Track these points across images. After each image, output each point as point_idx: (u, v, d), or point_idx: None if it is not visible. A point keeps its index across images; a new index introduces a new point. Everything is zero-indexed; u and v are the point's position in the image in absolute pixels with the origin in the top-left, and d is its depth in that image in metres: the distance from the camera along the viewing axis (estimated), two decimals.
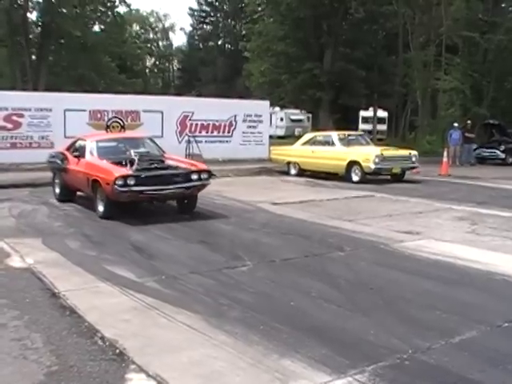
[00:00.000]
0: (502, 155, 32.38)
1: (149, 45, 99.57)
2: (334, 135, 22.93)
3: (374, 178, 20.96)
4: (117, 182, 11.72)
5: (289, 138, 54.01)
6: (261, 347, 5.56)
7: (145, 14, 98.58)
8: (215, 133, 27.03)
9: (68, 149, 15.17)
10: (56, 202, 14.95)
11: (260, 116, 28.76)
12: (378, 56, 45.77)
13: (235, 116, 27.73)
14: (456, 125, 30.47)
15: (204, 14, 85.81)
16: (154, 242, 10.22)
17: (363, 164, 20.58)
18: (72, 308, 6.66)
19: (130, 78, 60.96)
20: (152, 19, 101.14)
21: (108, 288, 7.42)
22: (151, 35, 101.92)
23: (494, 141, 34.68)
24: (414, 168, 21.86)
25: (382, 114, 55.61)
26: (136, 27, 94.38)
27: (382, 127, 56.58)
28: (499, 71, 48.13)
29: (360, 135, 24.89)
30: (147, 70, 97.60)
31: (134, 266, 8.54)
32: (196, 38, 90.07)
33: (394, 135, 54.04)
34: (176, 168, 13.29)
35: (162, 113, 25.41)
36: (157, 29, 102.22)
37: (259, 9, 56.83)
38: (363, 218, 13.05)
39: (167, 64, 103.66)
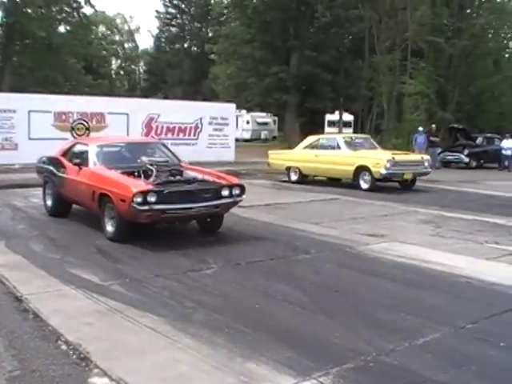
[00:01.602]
0: (466, 159, 32.86)
1: (115, 46, 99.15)
2: (340, 138, 21.64)
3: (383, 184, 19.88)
4: (135, 199, 9.62)
5: (255, 141, 54.15)
6: (225, 350, 5.54)
7: (111, 15, 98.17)
8: (181, 135, 26.97)
9: (64, 154, 13.06)
10: (20, 204, 14.75)
11: (226, 119, 28.80)
12: (344, 60, 46.10)
13: (201, 119, 27.72)
14: (421, 129, 30.72)
15: (170, 17, 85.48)
16: (119, 246, 10.10)
17: (373, 169, 19.14)
18: (35, 311, 6.57)
19: (95, 79, 60.72)
20: (118, 21, 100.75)
21: (71, 291, 7.33)
22: (117, 37, 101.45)
23: (458, 145, 35.14)
24: (426, 174, 20.62)
25: (348, 117, 55.90)
26: (102, 28, 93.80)
27: (348, 131, 56.72)
28: (464, 76, 48.72)
29: (366, 138, 23.27)
30: (113, 72, 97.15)
31: (98, 269, 8.45)
32: (162, 40, 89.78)
33: None
34: (204, 182, 11.04)
35: (128, 115, 25.30)
36: (123, 31, 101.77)
37: (226, 12, 56.91)
38: (329, 221, 13.09)
39: (133, 66, 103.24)
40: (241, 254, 9.77)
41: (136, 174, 10.88)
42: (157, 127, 26.25)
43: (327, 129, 58.35)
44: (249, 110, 58.05)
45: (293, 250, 10.08)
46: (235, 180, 11.41)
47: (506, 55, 59.08)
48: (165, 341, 5.77)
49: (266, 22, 42.58)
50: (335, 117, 53.52)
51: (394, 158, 19.26)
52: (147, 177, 10.67)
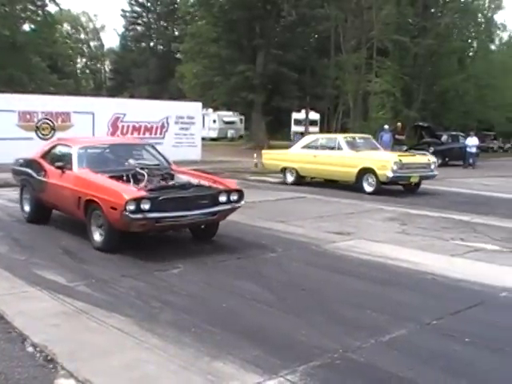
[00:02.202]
0: None
1: (80, 45, 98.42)
2: (341, 138, 20.49)
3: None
4: (128, 207, 8.83)
5: (222, 139, 54.12)
6: (192, 350, 5.54)
7: (76, 13, 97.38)
8: (147, 134, 26.84)
9: (43, 156, 12.09)
10: None
11: (192, 118, 28.73)
12: (310, 58, 46.28)
13: (167, 118, 27.64)
14: (386, 127, 30.94)
15: (136, 15, 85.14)
16: (85, 246, 9.97)
17: (379, 172, 18.19)
18: (0, 314, 6.51)
19: (61, 78, 60.07)
20: (83, 19, 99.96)
21: (37, 292, 7.26)
22: (82, 35, 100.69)
23: (423, 142, 35.50)
24: (433, 177, 19.69)
25: (314, 116, 56.16)
26: (67, 27, 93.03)
27: (315, 129, 57.03)
28: (429, 75, 49.25)
29: (367, 138, 22.00)
30: (78, 71, 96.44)
31: (64, 270, 8.37)
32: (128, 39, 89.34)
33: None
34: (200, 187, 10.25)
35: (93, 114, 25.13)
36: (88, 29, 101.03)
37: (192, 10, 56.75)
38: (295, 220, 13.13)
39: (99, 65, 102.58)
40: (208, 253, 9.75)
41: (125, 178, 10.12)
42: (123, 126, 26.10)
43: (294, 127, 58.66)
44: (215, 108, 58.03)
45: (259, 249, 10.09)
46: (233, 185, 10.71)
47: (471, 54, 59.72)
48: (132, 341, 5.75)
49: (232, 21, 42.61)
50: (302, 115, 53.75)
51: (400, 160, 18.40)
52: (137, 182, 9.96)
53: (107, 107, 26.25)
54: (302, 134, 49.27)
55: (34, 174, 11.92)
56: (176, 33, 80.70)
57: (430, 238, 11.42)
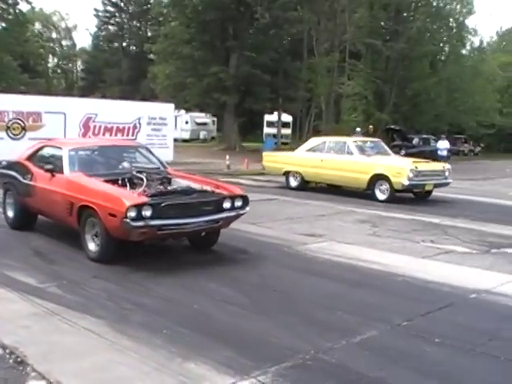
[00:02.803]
0: None
1: (52, 44, 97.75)
2: (350, 142, 19.37)
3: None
4: (129, 214, 8.21)
5: (194, 141, 54.10)
6: (164, 351, 5.55)
7: (48, 12, 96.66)
8: (119, 135, 26.68)
9: (29, 158, 11.32)
10: None
11: (164, 119, 28.62)
12: (283, 61, 46.41)
13: (139, 118, 27.50)
14: (358, 130, 31.09)
15: (109, 15, 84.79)
16: (56, 247, 9.97)
17: (394, 179, 17.24)
18: None
19: (32, 77, 59.75)
20: (55, 18, 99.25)
21: (7, 294, 7.22)
22: (54, 34, 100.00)
23: (395, 145, 35.74)
24: (447, 184, 18.74)
25: (286, 118, 56.34)
26: (38, 26, 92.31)
27: (287, 131, 57.32)
28: (401, 78, 49.68)
29: (377, 142, 20.91)
30: (50, 71, 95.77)
31: (35, 271, 8.32)
32: (101, 39, 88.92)
33: (299, 139, 54.90)
34: (203, 192, 9.54)
35: (65, 114, 24.94)
36: (60, 28, 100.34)
37: (165, 11, 56.67)
38: (267, 221, 13.16)
39: (71, 65, 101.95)
40: (179, 255, 9.79)
41: (120, 182, 9.44)
42: (94, 127, 25.92)
43: (266, 129, 58.83)
44: (188, 110, 57.98)
45: (231, 251, 10.13)
46: (238, 190, 10.07)
47: (442, 58, 60.27)
48: (103, 342, 5.74)
49: (205, 22, 42.60)
50: (274, 117, 53.88)
51: (416, 167, 17.42)
52: (133, 186, 9.39)
53: (79, 107, 26.04)
54: (275, 136, 49.51)
55: (20, 178, 11.10)
56: (149, 33, 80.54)
57: (400, 240, 11.54)
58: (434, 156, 33.64)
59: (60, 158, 10.23)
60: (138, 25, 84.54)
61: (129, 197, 8.57)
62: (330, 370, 5.29)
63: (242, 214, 9.81)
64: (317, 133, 50.96)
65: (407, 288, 8.13)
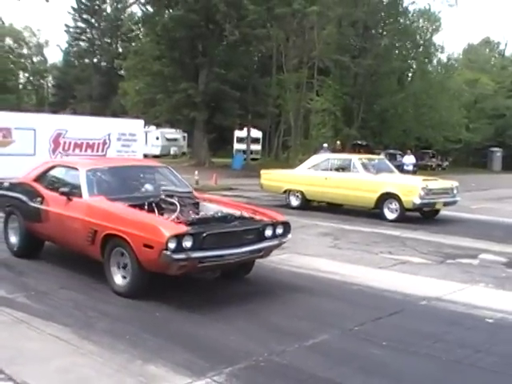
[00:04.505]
0: None
1: (22, 60, 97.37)
2: (356, 159, 18.72)
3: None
4: (169, 246, 7.28)
5: (165, 156, 54.31)
6: (126, 355, 5.88)
7: (18, 28, 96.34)
8: (89, 151, 26.80)
9: (37, 179, 10.26)
10: None
11: (134, 135, 28.81)
12: (252, 77, 46.80)
13: (109, 134, 27.66)
14: (325, 145, 31.62)
15: (80, 31, 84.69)
16: (24, 260, 10.10)
17: (404, 198, 16.69)
18: None
19: (2, 93, 59.60)
20: (26, 34, 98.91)
21: None
22: (25, 50, 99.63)
23: None
24: (455, 202, 18.31)
25: (256, 133, 56.73)
26: (9, 41, 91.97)
27: (257, 147, 57.73)
28: (369, 94, 50.41)
29: (381, 159, 20.87)
30: (21, 86, 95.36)
31: (3, 282, 8.57)
32: (71, 54, 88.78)
33: (268, 155, 55.37)
34: (243, 219, 8.63)
35: (35, 130, 25.09)
36: (31, 44, 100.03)
37: (135, 28, 56.96)
38: None
39: (42, 80, 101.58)
40: None
41: (146, 207, 8.61)
42: (64, 143, 26.01)
43: (236, 145, 59.16)
44: (158, 125, 58.16)
45: None
46: (280, 216, 9.15)
47: (410, 74, 61.19)
48: (69, 347, 6.05)
49: (175, 39, 42.93)
50: (244, 133, 54.31)
51: (427, 185, 16.95)
52: (161, 212, 8.61)
53: (49, 123, 26.13)
54: (244, 152, 49.89)
55: (27, 201, 10.02)
56: (120, 49, 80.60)
57: (360, 251, 11.97)
58: (399, 171, 34.26)
59: (76, 180, 9.27)
60: (109, 41, 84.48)
61: (167, 226, 7.67)
62: (281, 371, 5.65)
63: (283, 243, 9.00)
64: (286, 148, 51.57)
65: (362, 296, 8.53)
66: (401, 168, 34.13)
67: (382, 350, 6.29)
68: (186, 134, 60.56)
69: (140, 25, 52.72)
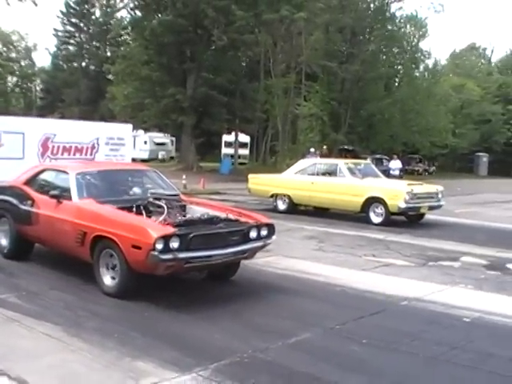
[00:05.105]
0: None
1: (11, 63, 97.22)
2: (342, 164, 18.96)
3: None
4: (157, 246, 7.51)
5: (153, 161, 54.45)
6: (115, 352, 6.09)
7: (7, 31, 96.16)
8: (77, 155, 26.88)
9: (27, 183, 10.41)
10: None
11: (122, 139, 28.93)
12: (240, 82, 47.04)
13: (97, 139, 27.76)
14: (312, 150, 31.90)
15: (68, 35, 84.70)
16: (14, 261, 10.24)
17: (389, 202, 16.90)
18: None
19: None
20: (14, 37, 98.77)
21: None
22: (14, 54, 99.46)
23: None
24: (440, 206, 18.49)
25: (244, 138, 56.98)
26: None
27: (245, 151, 57.96)
28: (356, 99, 50.74)
29: (367, 164, 21.14)
30: (9, 90, 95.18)
31: None
32: (60, 58, 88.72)
33: (256, 159, 55.59)
34: (229, 221, 8.86)
35: (24, 134, 25.22)
36: (19, 47, 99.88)
37: (124, 32, 57.08)
38: None
39: (30, 84, 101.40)
40: None
41: (134, 210, 8.79)
42: (53, 147, 26.09)
43: (224, 149, 59.37)
44: (146, 130, 58.30)
45: None
46: (264, 219, 9.40)
47: (396, 80, 61.57)
48: (59, 345, 6.27)
49: (163, 44, 43.06)
50: (232, 138, 54.55)
51: (412, 189, 17.14)
52: (149, 214, 8.78)
53: (38, 127, 26.28)
54: (232, 157, 50.10)
55: (17, 204, 10.18)
56: (108, 54, 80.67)
57: (344, 254, 12.22)
58: (386, 176, 34.56)
59: (66, 183, 9.44)
60: (98, 45, 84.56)
61: (155, 227, 7.87)
62: (265, 367, 5.89)
63: (268, 244, 9.24)
64: (274, 153, 51.83)
65: (344, 297, 8.79)
66: (387, 173, 34.44)
67: (362, 347, 6.54)
68: (174, 139, 60.77)
69: (129, 29, 52.81)
